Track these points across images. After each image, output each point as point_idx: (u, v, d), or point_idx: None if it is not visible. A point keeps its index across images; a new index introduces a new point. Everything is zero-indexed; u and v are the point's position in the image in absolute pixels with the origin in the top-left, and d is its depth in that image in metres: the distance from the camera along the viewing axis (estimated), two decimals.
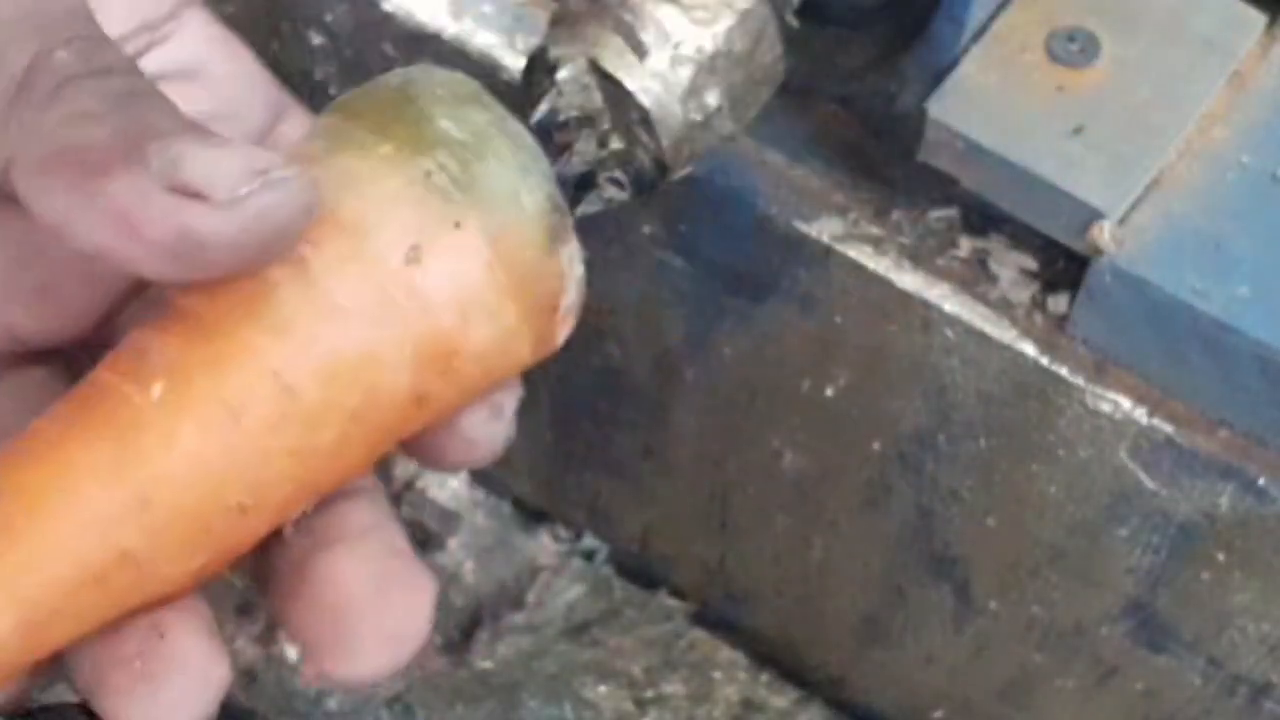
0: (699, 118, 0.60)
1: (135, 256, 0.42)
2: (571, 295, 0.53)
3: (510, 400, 0.51)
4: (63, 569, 0.45)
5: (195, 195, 0.41)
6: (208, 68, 0.52)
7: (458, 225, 0.48)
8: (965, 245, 0.73)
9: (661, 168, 0.60)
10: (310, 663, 0.48)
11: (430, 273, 0.47)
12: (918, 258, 0.73)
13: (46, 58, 0.42)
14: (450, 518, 1.04)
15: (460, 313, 0.48)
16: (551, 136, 0.57)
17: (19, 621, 0.44)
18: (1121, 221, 0.68)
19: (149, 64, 0.50)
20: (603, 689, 0.99)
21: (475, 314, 0.48)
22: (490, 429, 0.51)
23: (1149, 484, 0.73)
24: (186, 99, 0.47)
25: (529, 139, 0.52)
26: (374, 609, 0.48)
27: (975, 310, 0.72)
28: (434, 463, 0.52)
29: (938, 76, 0.69)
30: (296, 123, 0.53)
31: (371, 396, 0.47)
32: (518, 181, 0.50)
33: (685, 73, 0.59)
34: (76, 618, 0.46)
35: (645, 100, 0.58)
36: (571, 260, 0.52)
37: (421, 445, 0.50)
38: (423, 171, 0.48)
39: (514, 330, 0.50)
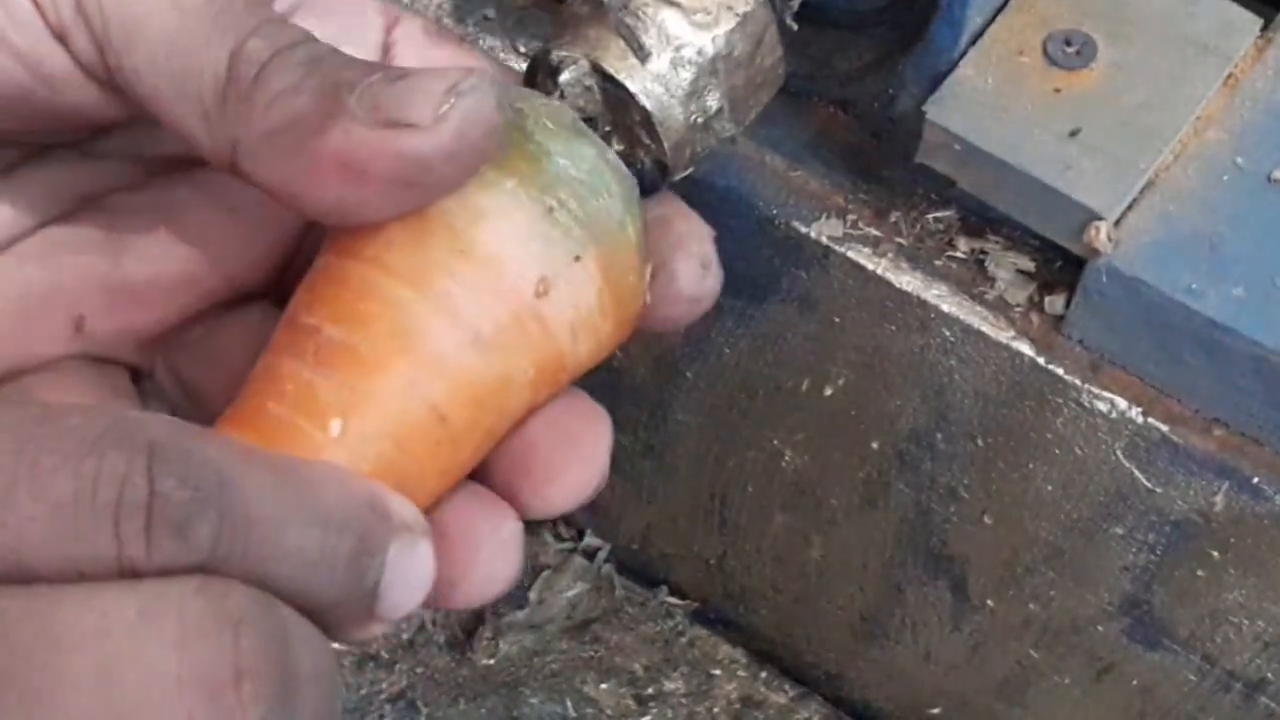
0: (700, 120, 0.60)
1: (369, 199, 0.46)
2: (648, 300, 0.56)
3: (711, 247, 0.54)
4: None
5: (405, 126, 0.45)
6: None
7: (578, 259, 0.51)
8: (963, 246, 0.73)
9: (662, 169, 0.60)
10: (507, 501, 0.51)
11: (554, 303, 0.51)
12: (916, 259, 0.73)
13: (241, 50, 0.46)
14: None
15: (572, 334, 0.52)
16: None
17: None
18: (1118, 223, 0.68)
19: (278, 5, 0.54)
20: (604, 686, 0.99)
21: (583, 334, 0.52)
22: (706, 283, 0.53)
23: (1145, 482, 0.73)
24: (313, 27, 0.51)
25: (624, 168, 0.55)
26: (556, 444, 0.51)
27: (973, 310, 0.73)
28: (657, 325, 0.54)
29: (936, 79, 0.70)
30: (410, 23, 0.56)
31: (502, 414, 0.51)
32: (623, 213, 0.53)
33: (686, 75, 0.59)
34: None
35: (647, 102, 0.59)
36: (650, 272, 0.55)
37: (647, 318, 0.53)
38: (546, 208, 0.51)
39: (606, 341, 0.54)
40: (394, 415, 0.48)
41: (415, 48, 0.56)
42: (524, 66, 0.61)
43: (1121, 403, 0.71)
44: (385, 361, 0.48)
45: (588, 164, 0.53)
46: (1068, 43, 0.70)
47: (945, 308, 0.73)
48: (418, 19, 0.57)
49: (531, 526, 1.05)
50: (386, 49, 0.56)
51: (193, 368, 0.54)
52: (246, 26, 0.47)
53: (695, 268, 0.53)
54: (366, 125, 0.45)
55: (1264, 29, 0.72)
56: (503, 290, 0.50)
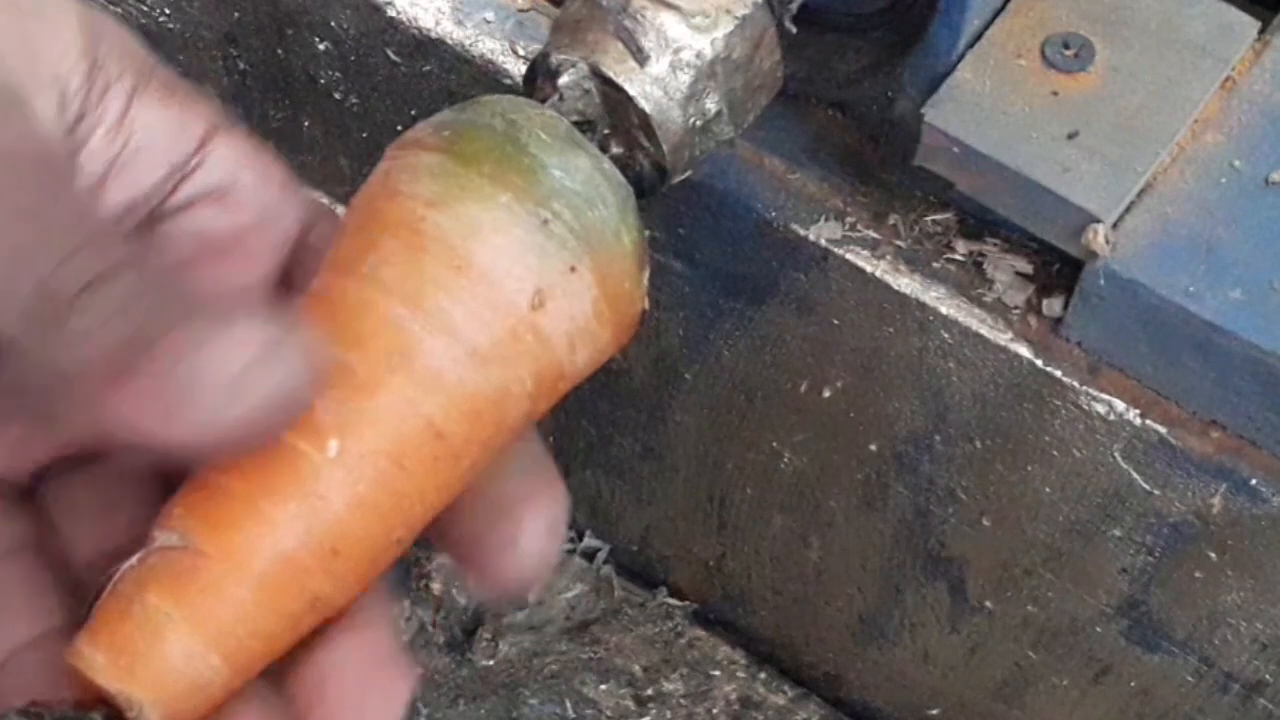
0: (699, 123, 0.60)
1: (171, 444, 0.45)
2: (646, 306, 0.56)
3: (563, 514, 0.53)
4: (268, 622, 0.48)
5: (206, 388, 0.44)
6: (238, 184, 0.54)
7: (573, 269, 0.51)
8: (961, 249, 0.73)
9: (661, 172, 0.61)
10: None
11: (551, 314, 0.51)
12: (914, 261, 0.73)
13: (58, 276, 0.45)
14: None
15: (570, 344, 0.52)
16: None
17: (231, 669, 0.48)
18: (1115, 225, 0.68)
19: (185, 190, 0.54)
20: (603, 687, 0.99)
21: (581, 343, 0.52)
22: (549, 546, 0.52)
23: (1142, 484, 0.73)
24: (221, 215, 0.52)
25: (619, 176, 0.55)
26: (354, 697, 0.50)
27: (971, 313, 0.73)
28: (485, 577, 0.53)
29: (934, 82, 0.70)
30: (328, 227, 0.55)
31: (500, 426, 0.51)
32: (618, 222, 0.53)
33: (685, 78, 0.59)
34: (270, 655, 0.49)
35: (646, 105, 0.59)
36: (648, 277, 0.55)
37: (484, 570, 0.52)
38: (541, 220, 0.51)
39: (605, 348, 0.54)
40: (391, 433, 0.48)
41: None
42: (523, 70, 0.61)
43: (1119, 404, 0.71)
44: (382, 380, 0.48)
45: (582, 175, 0.53)
46: (1066, 46, 0.70)
47: (944, 310, 0.73)
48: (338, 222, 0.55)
49: None
50: (301, 247, 0.54)
51: None
52: (69, 243, 0.45)
53: (541, 528, 0.51)
54: (160, 394, 0.44)
55: (1261, 32, 0.72)
56: (499, 304, 0.50)
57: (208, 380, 0.44)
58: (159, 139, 0.52)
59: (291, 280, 0.54)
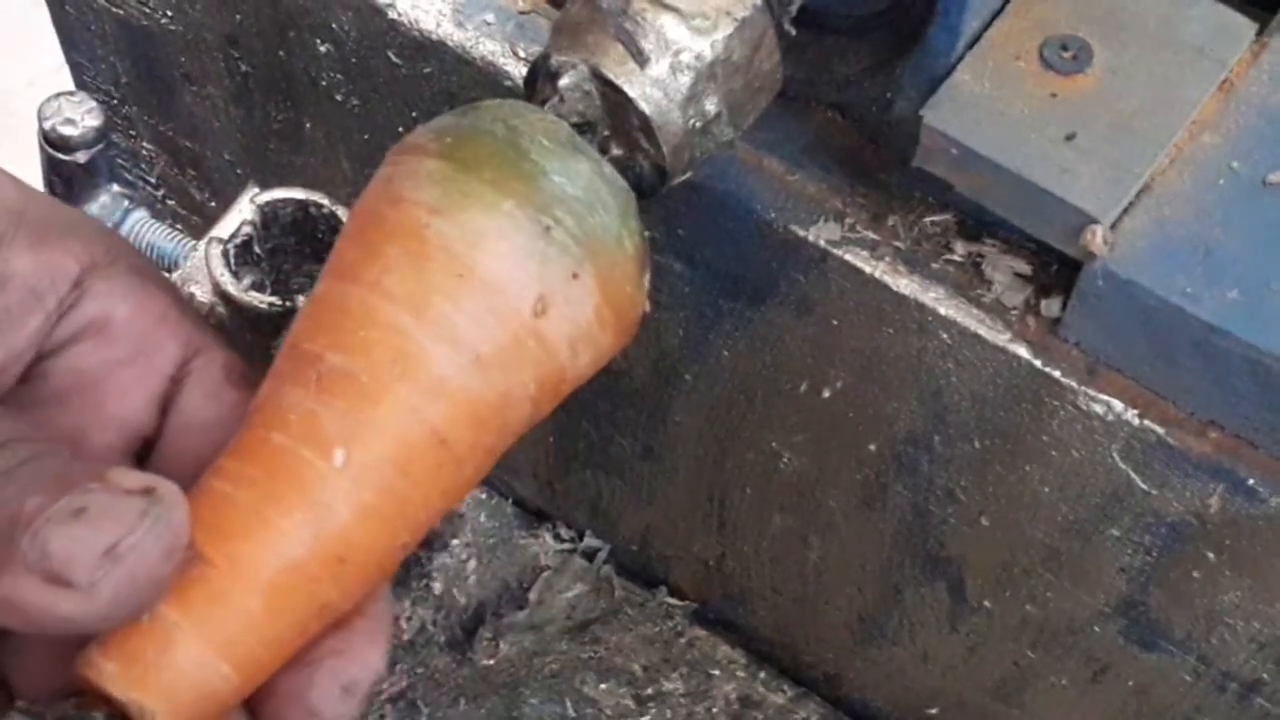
0: (698, 124, 0.61)
1: (33, 629, 0.46)
2: (648, 308, 0.56)
3: (367, 678, 0.53)
4: (276, 630, 0.49)
5: (64, 585, 0.45)
6: (114, 318, 0.55)
7: (575, 275, 0.52)
8: (960, 249, 0.74)
9: (661, 173, 0.61)
10: None
11: (553, 320, 0.51)
12: (913, 262, 0.73)
13: None
14: (453, 518, 1.04)
15: (572, 348, 0.52)
16: None
17: (241, 677, 0.49)
18: (1113, 226, 0.68)
19: (62, 329, 0.54)
20: (603, 686, 0.99)
21: (583, 346, 0.53)
22: (341, 708, 0.52)
23: (1140, 484, 0.73)
24: (97, 349, 0.53)
25: (620, 180, 0.55)
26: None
27: (970, 313, 0.73)
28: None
29: (933, 84, 0.70)
30: (210, 358, 0.56)
31: (504, 430, 0.51)
32: (620, 226, 0.54)
33: (685, 80, 0.59)
34: (278, 662, 0.50)
35: (646, 107, 0.59)
36: (649, 279, 0.56)
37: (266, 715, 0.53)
38: (543, 227, 0.51)
39: (607, 351, 0.54)
40: (396, 442, 0.49)
41: (207, 385, 0.55)
42: (523, 72, 0.62)
43: (1118, 405, 0.71)
44: (386, 388, 0.49)
45: (583, 180, 0.53)
46: (1064, 48, 0.70)
47: (942, 310, 0.73)
48: (221, 357, 0.55)
49: (532, 527, 1.05)
50: (178, 380, 0.55)
51: None
52: None
53: (334, 689, 0.51)
54: (32, 576, 0.45)
55: (1259, 33, 0.72)
56: (502, 311, 0.51)
57: (74, 568, 0.45)
58: (31, 292, 0.52)
59: (171, 409, 0.54)
